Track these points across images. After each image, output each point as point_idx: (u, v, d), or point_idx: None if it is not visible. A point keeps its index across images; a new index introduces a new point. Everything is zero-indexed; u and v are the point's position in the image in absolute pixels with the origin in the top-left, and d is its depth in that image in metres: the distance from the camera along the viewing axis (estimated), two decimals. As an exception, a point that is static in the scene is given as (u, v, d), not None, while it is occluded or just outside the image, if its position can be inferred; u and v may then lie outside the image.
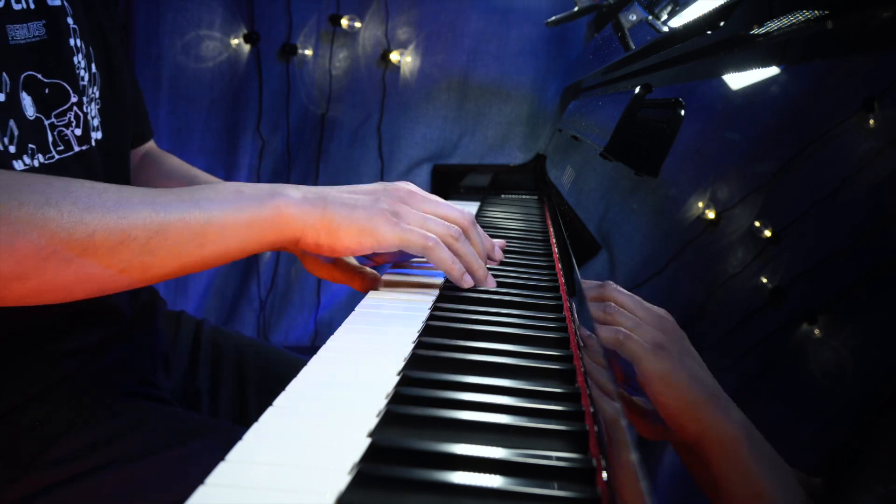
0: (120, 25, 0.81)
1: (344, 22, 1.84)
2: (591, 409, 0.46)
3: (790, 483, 0.26)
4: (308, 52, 1.87)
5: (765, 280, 0.36)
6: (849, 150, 0.37)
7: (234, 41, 1.84)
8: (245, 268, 1.96)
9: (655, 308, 0.42)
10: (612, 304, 0.47)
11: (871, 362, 0.28)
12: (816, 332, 0.31)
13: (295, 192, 0.61)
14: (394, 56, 1.86)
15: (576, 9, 1.37)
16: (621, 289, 0.48)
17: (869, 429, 0.26)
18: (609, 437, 0.40)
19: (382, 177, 1.93)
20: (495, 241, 0.79)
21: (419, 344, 0.57)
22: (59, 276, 0.51)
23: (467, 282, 0.68)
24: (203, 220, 0.56)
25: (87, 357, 0.70)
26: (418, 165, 1.93)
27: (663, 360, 0.36)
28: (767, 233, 0.39)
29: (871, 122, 0.36)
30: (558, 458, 0.41)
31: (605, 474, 0.39)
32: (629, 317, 0.43)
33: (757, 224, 0.40)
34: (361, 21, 1.86)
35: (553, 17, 1.40)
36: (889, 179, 0.32)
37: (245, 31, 1.84)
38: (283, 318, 2.00)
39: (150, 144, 0.96)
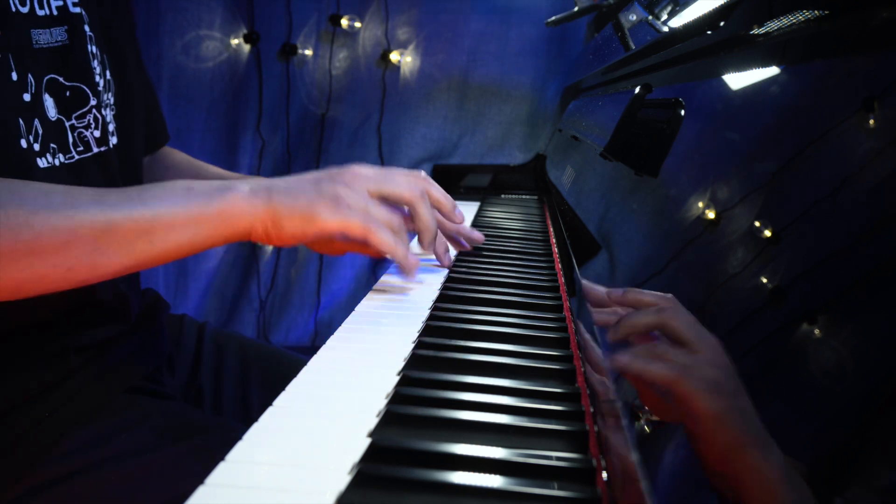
0: (133, 34, 0.84)
1: (344, 22, 1.84)
2: (591, 410, 0.46)
3: None
4: (308, 52, 1.87)
5: (765, 280, 0.36)
6: (849, 150, 0.37)
7: (234, 41, 1.84)
8: (245, 268, 1.96)
9: (708, 335, 0.38)
10: (668, 325, 0.41)
11: (871, 362, 0.28)
12: (816, 332, 0.31)
13: (244, 185, 0.61)
14: (394, 56, 1.86)
15: (576, 9, 1.37)
16: (679, 305, 0.42)
17: (869, 429, 0.26)
18: (608, 438, 0.40)
19: (382, 177, 1.93)
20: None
21: (419, 344, 0.57)
22: (7, 276, 0.52)
23: (412, 264, 0.66)
24: (150, 216, 0.56)
25: (93, 353, 0.71)
26: (418, 165, 1.93)
27: (719, 401, 0.34)
28: (767, 233, 0.39)
29: (871, 122, 0.36)
30: (558, 458, 0.41)
31: (604, 474, 0.39)
32: (682, 351, 0.39)
33: (757, 224, 0.40)
34: (361, 21, 1.86)
35: (553, 17, 1.40)
36: (889, 179, 0.32)
37: (245, 31, 1.84)
38: (283, 318, 2.00)
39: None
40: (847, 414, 0.27)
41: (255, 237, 0.62)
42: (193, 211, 0.58)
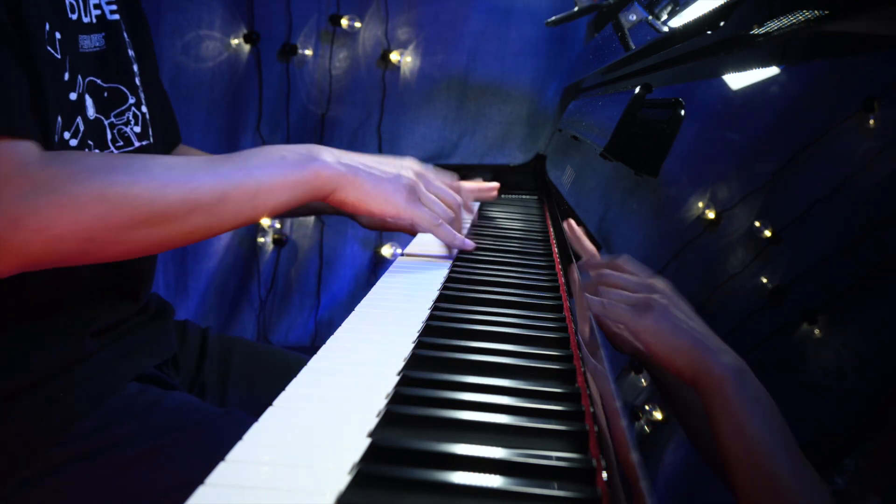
0: (152, 44, 0.90)
1: (344, 22, 1.84)
2: (591, 410, 0.46)
3: (774, 417, 0.29)
4: (308, 52, 1.87)
5: (765, 280, 0.36)
6: (849, 150, 0.37)
7: (234, 41, 1.84)
8: (245, 268, 1.96)
9: (649, 274, 0.46)
10: (607, 269, 0.51)
11: (872, 362, 0.28)
12: (816, 332, 0.31)
13: (329, 156, 0.73)
14: (394, 56, 1.86)
15: (576, 9, 1.37)
16: (629, 259, 0.52)
17: (869, 429, 0.26)
18: (609, 436, 0.40)
19: (382, 177, 1.93)
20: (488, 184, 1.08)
21: (419, 344, 0.57)
22: (147, 239, 0.61)
23: (467, 244, 0.85)
24: (255, 185, 0.67)
25: (108, 338, 0.73)
26: (418, 165, 1.92)
27: (647, 317, 0.41)
28: (767, 233, 0.39)
29: (871, 122, 0.36)
30: (558, 458, 0.41)
31: (604, 474, 0.39)
32: (615, 279, 0.47)
33: (757, 224, 0.40)
34: (361, 21, 1.86)
35: (553, 17, 1.40)
36: (889, 179, 0.32)
37: (245, 31, 1.84)
38: (283, 318, 2.00)
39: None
40: (847, 414, 0.27)
41: (330, 199, 0.74)
42: (290, 178, 0.69)
